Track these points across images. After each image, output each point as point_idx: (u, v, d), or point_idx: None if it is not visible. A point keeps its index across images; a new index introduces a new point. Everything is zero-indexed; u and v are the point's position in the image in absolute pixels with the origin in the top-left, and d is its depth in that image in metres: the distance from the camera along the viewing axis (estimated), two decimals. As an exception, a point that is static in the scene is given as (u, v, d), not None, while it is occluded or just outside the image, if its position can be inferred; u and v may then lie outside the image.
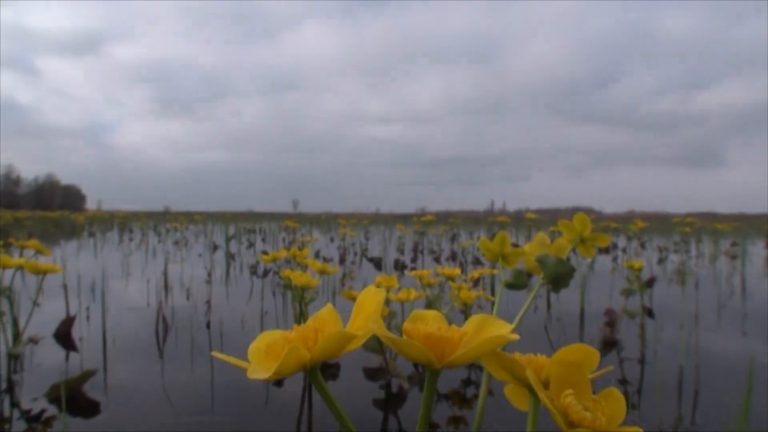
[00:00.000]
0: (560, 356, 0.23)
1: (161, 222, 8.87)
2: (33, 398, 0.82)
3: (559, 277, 0.52)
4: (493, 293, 1.89)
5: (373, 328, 0.21)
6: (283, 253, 1.15)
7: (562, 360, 0.23)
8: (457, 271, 1.03)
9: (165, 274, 1.96)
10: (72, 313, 1.40)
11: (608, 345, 1.20)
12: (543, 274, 0.53)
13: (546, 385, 0.23)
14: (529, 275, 0.59)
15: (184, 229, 6.66)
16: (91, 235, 5.70)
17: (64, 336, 1.21)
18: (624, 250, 4.15)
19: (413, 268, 2.77)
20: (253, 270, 2.61)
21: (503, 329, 0.23)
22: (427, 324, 0.23)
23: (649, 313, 1.57)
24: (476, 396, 0.87)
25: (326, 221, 8.95)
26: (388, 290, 0.97)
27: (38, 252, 1.11)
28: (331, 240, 5.19)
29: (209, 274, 2.36)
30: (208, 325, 1.35)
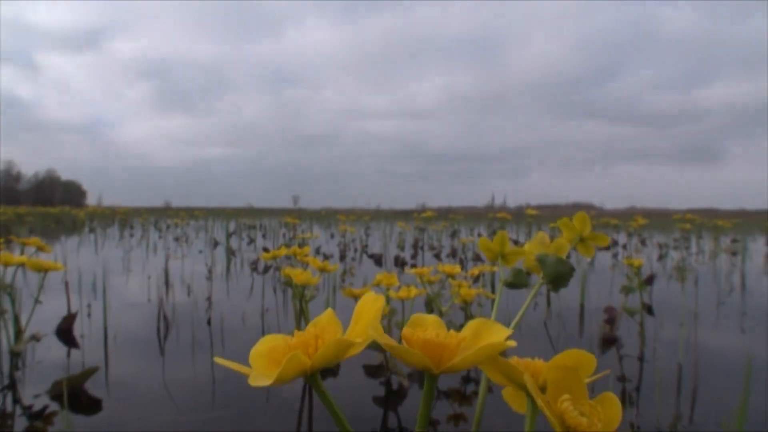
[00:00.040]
0: (557, 361, 0.23)
1: (162, 218, 8.88)
2: (35, 395, 0.82)
3: (558, 276, 0.52)
4: (493, 290, 1.89)
5: (373, 335, 0.21)
6: (284, 251, 1.15)
7: (559, 365, 0.23)
8: (458, 269, 1.04)
9: (166, 270, 1.96)
10: (73, 309, 1.41)
11: (608, 342, 1.20)
12: (543, 273, 0.53)
13: (543, 389, 0.23)
14: (529, 274, 0.60)
15: (184, 225, 6.66)
16: (92, 231, 5.71)
17: (65, 333, 1.21)
18: (624, 247, 4.15)
19: (413, 265, 2.77)
20: (254, 266, 2.61)
21: (501, 335, 0.24)
22: (426, 329, 0.23)
23: (649, 310, 1.57)
24: (476, 393, 0.87)
25: (326, 217, 8.95)
26: (388, 288, 0.97)
27: (39, 249, 1.11)
28: (332, 236, 5.19)
29: (210, 271, 2.37)
30: (209, 322, 1.35)
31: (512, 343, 0.22)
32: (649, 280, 2.04)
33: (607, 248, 4.11)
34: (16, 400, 0.81)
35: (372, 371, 0.96)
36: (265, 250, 3.35)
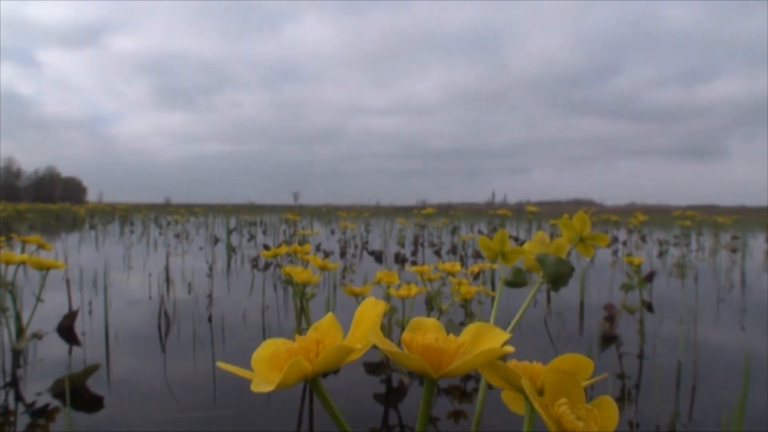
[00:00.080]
0: (555, 365, 0.24)
1: (162, 214, 8.88)
2: (37, 393, 0.83)
3: (558, 276, 0.52)
4: (493, 287, 1.90)
5: (373, 340, 0.21)
6: (284, 249, 1.15)
7: (557, 368, 0.23)
8: (458, 267, 1.04)
9: (167, 267, 1.97)
10: (74, 307, 1.41)
11: (607, 340, 1.21)
12: (542, 273, 0.54)
13: (541, 392, 0.23)
14: (528, 273, 0.60)
15: (185, 222, 6.67)
16: (93, 227, 5.72)
17: (66, 330, 1.21)
18: (624, 244, 4.15)
19: (414, 262, 2.78)
20: (254, 263, 2.62)
21: (500, 339, 0.24)
22: (426, 334, 0.23)
23: (649, 307, 1.58)
24: (476, 390, 0.88)
25: (327, 214, 8.95)
26: (388, 286, 0.98)
27: (40, 247, 1.12)
28: (332, 233, 5.20)
29: (210, 268, 2.37)
30: (209, 319, 1.36)
31: (510, 349, 0.22)
32: (649, 278, 2.04)
33: (608, 245, 4.11)
34: (19, 398, 0.81)
35: (373, 369, 0.97)
36: (266, 247, 3.36)
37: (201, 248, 3.41)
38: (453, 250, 3.37)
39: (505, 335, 0.24)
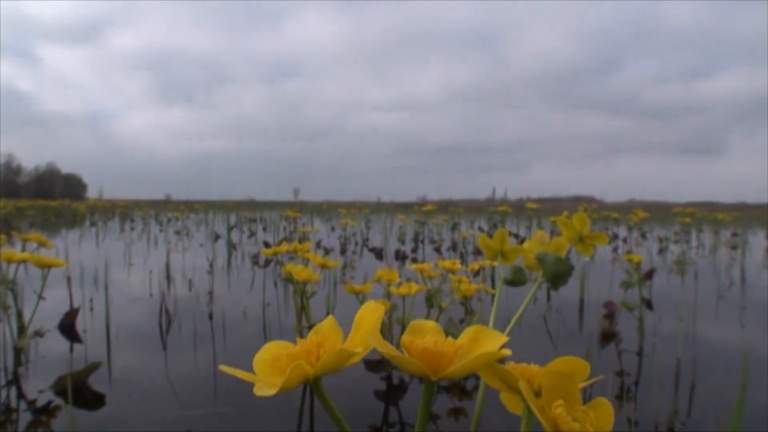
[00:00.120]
0: (552, 367, 0.24)
1: (162, 211, 8.88)
2: (39, 391, 0.83)
3: (557, 275, 0.53)
4: (494, 284, 1.90)
5: (373, 344, 0.22)
6: (285, 247, 1.15)
7: (553, 371, 0.24)
8: (458, 264, 1.04)
9: (167, 265, 1.97)
10: (75, 304, 1.42)
11: (607, 337, 1.21)
12: (542, 272, 0.54)
13: (538, 393, 0.24)
14: (528, 272, 0.60)
15: (185, 219, 6.67)
16: (93, 224, 5.72)
17: (68, 328, 1.22)
18: (624, 241, 4.15)
19: (414, 259, 2.78)
20: (255, 260, 2.62)
21: (498, 341, 0.24)
22: (425, 337, 0.23)
23: (648, 304, 1.58)
24: (476, 388, 0.88)
25: (327, 210, 8.96)
26: (389, 284, 0.98)
27: (41, 245, 1.12)
28: (332, 229, 5.20)
29: (211, 265, 2.38)
30: (210, 316, 1.36)
31: (507, 352, 0.22)
32: (649, 275, 2.04)
33: (607, 243, 4.11)
34: (21, 395, 0.82)
35: (373, 366, 0.97)
36: (266, 244, 3.36)
37: (201, 245, 3.41)
38: (453, 247, 3.37)
39: (503, 338, 0.24)
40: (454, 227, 4.93)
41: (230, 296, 1.66)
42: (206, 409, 0.77)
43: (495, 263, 0.60)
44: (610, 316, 1.28)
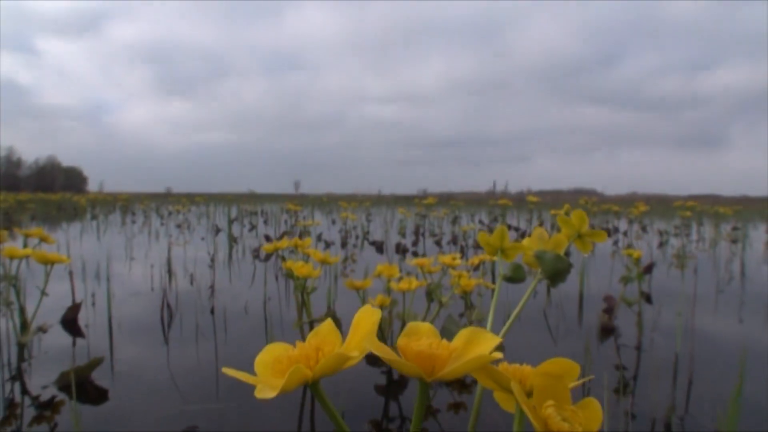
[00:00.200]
0: (543, 368, 0.25)
1: (163, 204, 8.89)
2: (43, 386, 0.84)
3: (556, 273, 0.53)
4: (494, 278, 1.91)
5: (369, 347, 0.22)
6: (285, 243, 1.16)
7: (544, 372, 0.25)
8: (458, 259, 1.04)
9: (169, 259, 1.98)
10: (78, 298, 1.43)
11: (606, 332, 1.22)
12: (541, 269, 0.54)
13: (530, 393, 0.24)
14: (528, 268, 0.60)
15: (186, 212, 6.68)
16: (94, 217, 5.73)
17: (70, 323, 1.23)
18: (625, 234, 4.16)
19: (415, 252, 2.79)
20: (256, 254, 2.63)
21: (491, 343, 0.25)
22: (420, 340, 0.24)
23: (648, 299, 1.59)
24: (476, 382, 0.89)
25: (328, 203, 8.96)
26: (389, 280, 0.98)
27: (42, 240, 1.12)
28: (333, 222, 5.21)
29: (212, 259, 2.38)
30: (212, 311, 1.37)
31: (498, 355, 0.23)
32: (648, 269, 2.05)
33: (608, 235, 4.12)
34: (25, 391, 0.82)
35: (374, 360, 0.98)
36: (267, 237, 3.37)
37: (203, 238, 3.42)
38: (454, 241, 3.38)
39: (496, 340, 0.25)
40: (455, 220, 4.94)
41: (231, 290, 1.67)
42: (208, 404, 0.78)
43: (495, 258, 0.60)
44: (609, 310, 1.28)
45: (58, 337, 1.13)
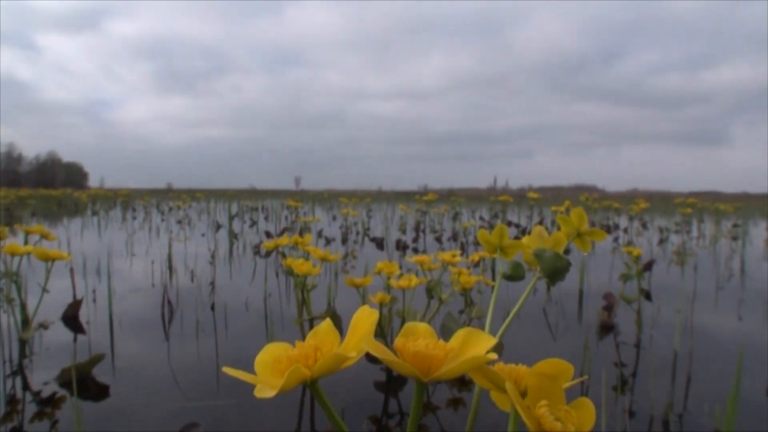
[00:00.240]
0: (538, 368, 0.25)
1: (164, 200, 8.90)
2: (44, 382, 0.84)
3: (555, 271, 0.53)
4: (494, 275, 1.91)
5: (367, 348, 0.23)
6: (285, 240, 1.16)
7: (539, 372, 0.25)
8: (458, 257, 1.05)
9: (169, 255, 1.98)
10: (78, 294, 1.43)
11: (605, 329, 1.22)
12: (540, 267, 0.54)
13: (524, 394, 0.25)
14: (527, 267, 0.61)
15: (187, 208, 6.68)
16: (95, 213, 5.74)
17: (71, 319, 1.23)
18: (625, 231, 4.16)
19: (415, 249, 2.79)
20: (257, 250, 2.63)
21: (487, 344, 0.25)
22: (417, 340, 0.24)
23: (647, 296, 1.59)
24: (474, 379, 0.89)
25: (329, 199, 8.97)
26: (389, 277, 0.99)
27: (43, 237, 1.13)
28: (334, 218, 5.21)
29: (213, 255, 2.39)
30: (212, 307, 1.37)
31: (493, 356, 0.23)
32: (648, 266, 2.05)
33: (609, 231, 4.12)
34: (26, 387, 0.83)
35: (373, 357, 0.98)
36: (268, 233, 3.37)
37: (203, 234, 3.42)
38: (454, 237, 3.38)
39: (492, 341, 0.25)
40: (456, 217, 4.94)
41: (232, 286, 1.68)
42: (209, 400, 0.79)
43: (495, 256, 0.61)
44: (608, 308, 1.28)
45: (59, 333, 1.14)
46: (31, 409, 0.75)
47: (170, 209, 6.51)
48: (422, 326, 0.28)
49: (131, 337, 1.12)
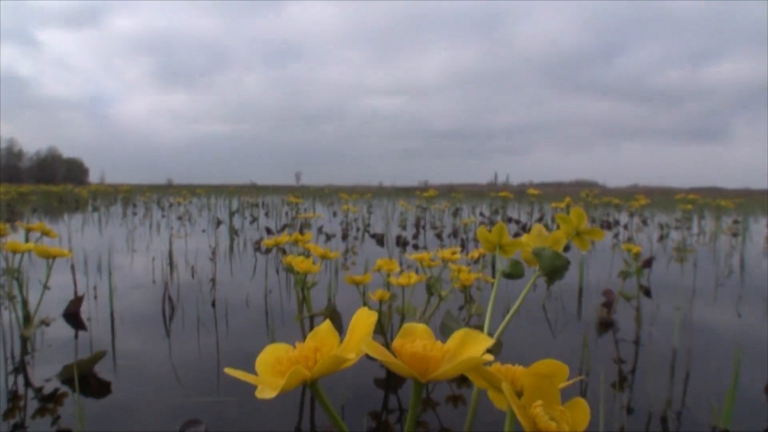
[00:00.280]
0: (534, 369, 0.26)
1: (164, 195, 8.91)
2: (46, 379, 0.85)
3: (554, 270, 0.54)
4: (494, 272, 1.91)
5: (365, 349, 0.23)
6: (285, 238, 1.16)
7: (535, 372, 0.26)
8: (457, 254, 1.05)
9: (170, 251, 1.99)
10: (79, 290, 1.44)
11: (604, 326, 1.22)
12: (539, 266, 0.55)
13: (520, 394, 0.25)
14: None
15: (187, 203, 6.69)
16: (95, 209, 5.74)
17: (73, 316, 1.24)
18: (626, 227, 4.16)
19: (415, 245, 2.79)
20: (257, 246, 2.64)
21: (484, 344, 0.26)
22: (414, 341, 0.25)
23: (647, 292, 1.59)
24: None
25: (329, 195, 8.97)
26: (389, 274, 0.99)
27: (44, 234, 1.13)
28: (334, 214, 5.21)
29: (213, 252, 2.39)
30: (213, 303, 1.38)
31: (489, 357, 0.24)
32: (648, 263, 2.05)
33: (609, 227, 4.12)
34: (28, 384, 0.83)
35: (373, 354, 0.99)
36: (268, 230, 3.38)
37: (204, 231, 3.43)
38: (454, 234, 3.38)
39: (489, 342, 0.26)
40: (456, 213, 4.94)
41: (233, 283, 1.68)
42: (210, 396, 0.79)
43: (494, 253, 0.61)
44: (608, 304, 1.29)
45: (61, 330, 1.14)
46: (33, 405, 0.76)
47: (171, 205, 6.51)
48: (420, 327, 0.28)
49: (132, 333, 1.13)
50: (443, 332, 0.78)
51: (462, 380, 0.89)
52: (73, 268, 1.56)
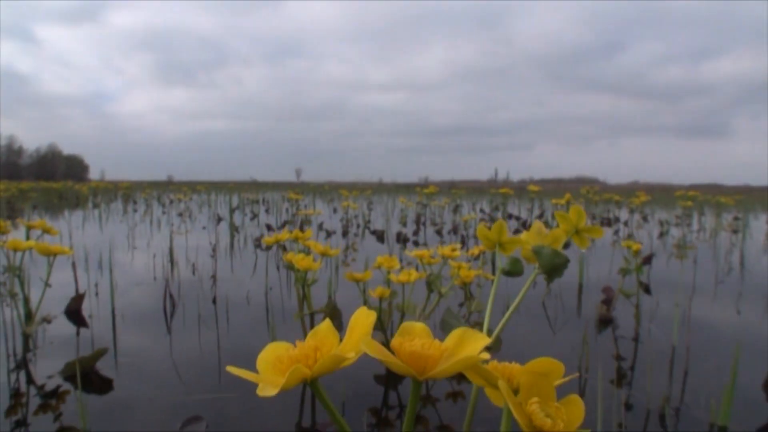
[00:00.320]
0: (530, 367, 0.26)
1: (165, 192, 8.91)
2: (48, 376, 0.85)
3: (553, 268, 0.54)
4: (494, 268, 1.92)
5: (364, 349, 0.23)
6: (286, 236, 1.17)
7: (531, 370, 0.26)
8: (457, 251, 1.05)
9: (171, 249, 1.99)
10: (81, 287, 1.44)
11: (604, 323, 1.23)
12: (538, 264, 0.55)
13: (517, 391, 0.26)
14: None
15: (187, 200, 6.69)
16: (96, 206, 5.75)
17: (74, 313, 1.24)
18: (626, 224, 4.16)
19: (415, 242, 2.80)
20: (257, 243, 2.64)
21: (481, 343, 0.26)
22: (413, 340, 0.25)
23: (646, 289, 1.60)
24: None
25: (329, 191, 8.97)
26: (389, 271, 0.99)
27: (45, 232, 1.13)
28: (334, 211, 5.22)
29: (214, 248, 2.40)
30: (214, 300, 1.38)
31: (486, 356, 0.24)
32: (648, 260, 2.06)
33: (609, 224, 4.12)
34: (30, 381, 0.84)
35: (373, 351, 0.99)
36: (268, 226, 3.38)
37: (204, 227, 3.43)
38: (455, 230, 3.39)
39: (486, 340, 0.26)
40: (456, 209, 4.94)
41: (233, 279, 1.68)
42: (211, 393, 0.80)
43: (494, 250, 0.61)
44: (607, 301, 1.29)
45: (62, 327, 1.15)
46: (35, 402, 0.76)
47: (171, 202, 6.52)
48: (419, 326, 0.29)
49: (134, 330, 1.13)
50: (443, 329, 0.79)
51: (462, 377, 0.89)
52: (74, 265, 1.57)
